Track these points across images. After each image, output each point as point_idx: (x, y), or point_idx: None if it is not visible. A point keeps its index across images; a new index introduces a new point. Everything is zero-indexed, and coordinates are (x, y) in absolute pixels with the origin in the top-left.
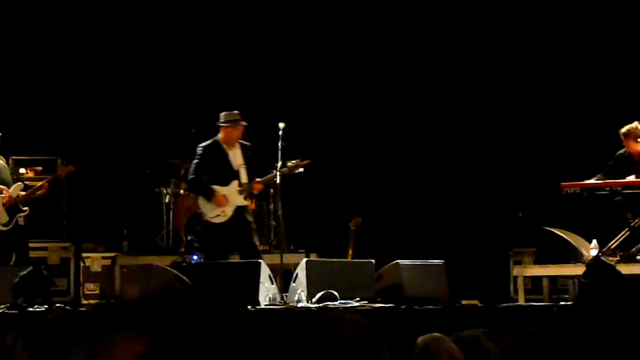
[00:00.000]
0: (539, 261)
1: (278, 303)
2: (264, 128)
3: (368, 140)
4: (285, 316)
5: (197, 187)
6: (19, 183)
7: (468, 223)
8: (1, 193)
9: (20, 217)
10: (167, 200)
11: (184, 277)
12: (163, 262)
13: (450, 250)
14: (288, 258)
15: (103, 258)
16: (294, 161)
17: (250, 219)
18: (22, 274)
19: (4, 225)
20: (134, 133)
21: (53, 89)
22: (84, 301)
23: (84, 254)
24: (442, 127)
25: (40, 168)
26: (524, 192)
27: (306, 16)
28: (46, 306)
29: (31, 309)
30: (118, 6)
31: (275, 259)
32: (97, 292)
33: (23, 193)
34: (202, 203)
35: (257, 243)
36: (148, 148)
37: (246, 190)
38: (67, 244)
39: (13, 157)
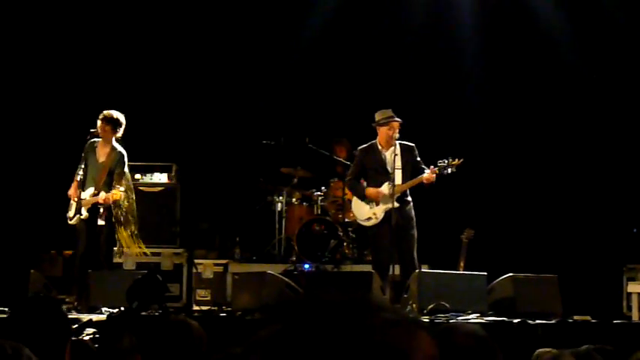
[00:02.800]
0: None
1: None
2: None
3: (482, 152)
4: None
5: (350, 186)
6: (92, 189)
7: (581, 238)
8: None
9: (79, 217)
10: (279, 209)
11: (296, 286)
12: (275, 270)
13: (563, 264)
14: (399, 269)
15: (215, 265)
16: (444, 160)
17: (406, 222)
18: (136, 278)
19: (69, 218)
20: (247, 141)
21: (170, 97)
22: (195, 307)
23: (196, 261)
24: (558, 141)
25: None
26: (639, 208)
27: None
28: (161, 311)
29: (145, 313)
30: (229, 23)
31: None
32: (209, 298)
33: (89, 198)
34: (354, 206)
35: (413, 251)
36: (261, 157)
37: (397, 192)
38: (180, 251)
39: (130, 164)
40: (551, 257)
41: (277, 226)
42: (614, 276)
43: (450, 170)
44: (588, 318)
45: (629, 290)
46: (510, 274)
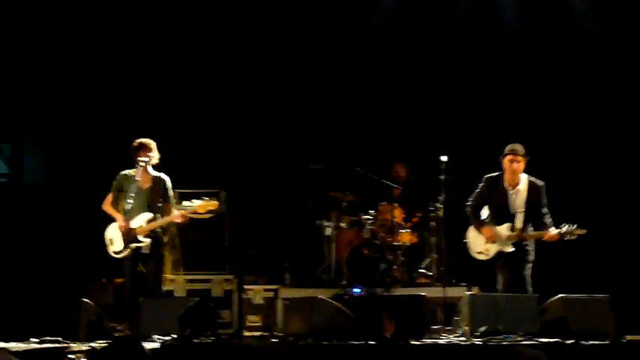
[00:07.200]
0: None
1: (441, 337)
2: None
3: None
4: (450, 350)
5: (469, 215)
6: (148, 214)
7: (634, 255)
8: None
9: (133, 247)
10: (329, 233)
11: (347, 310)
12: (325, 294)
13: (616, 282)
14: (450, 291)
15: (265, 290)
16: (569, 226)
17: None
18: (188, 305)
19: (116, 252)
20: (296, 166)
21: (217, 123)
22: (246, 333)
23: (246, 287)
24: (602, 163)
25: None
26: None
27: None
28: (213, 338)
29: (197, 340)
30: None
31: (437, 292)
32: (260, 324)
33: (147, 225)
34: (471, 236)
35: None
36: (309, 181)
37: (514, 238)
38: (230, 277)
39: (178, 191)
40: (603, 276)
41: (327, 250)
42: None
43: (570, 237)
44: None
45: None
46: (561, 295)
